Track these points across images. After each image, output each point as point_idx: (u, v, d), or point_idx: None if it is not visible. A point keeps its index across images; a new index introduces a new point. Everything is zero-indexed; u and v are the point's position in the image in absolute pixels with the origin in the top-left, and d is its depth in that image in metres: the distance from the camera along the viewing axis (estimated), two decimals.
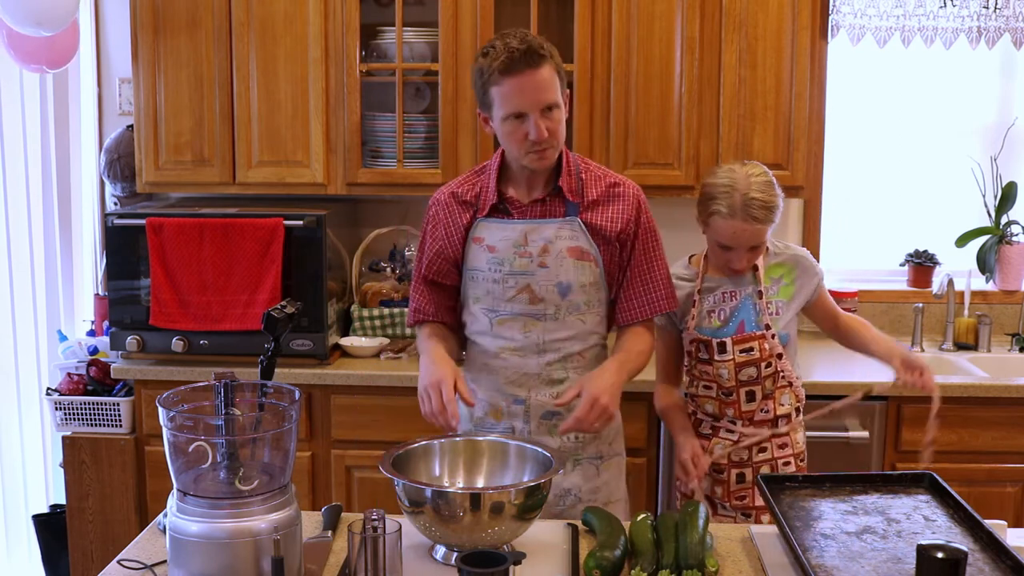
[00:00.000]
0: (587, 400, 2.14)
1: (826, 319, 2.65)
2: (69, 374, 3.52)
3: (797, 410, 2.56)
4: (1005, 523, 2.06)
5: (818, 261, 2.79)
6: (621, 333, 2.41)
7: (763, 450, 2.52)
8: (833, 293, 3.58)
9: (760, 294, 2.49)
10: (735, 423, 2.52)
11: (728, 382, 2.49)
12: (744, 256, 2.46)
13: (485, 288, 2.33)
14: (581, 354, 2.35)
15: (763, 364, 2.48)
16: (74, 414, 3.45)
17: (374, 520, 1.67)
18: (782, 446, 2.53)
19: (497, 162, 2.35)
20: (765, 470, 2.51)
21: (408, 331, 3.56)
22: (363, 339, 3.53)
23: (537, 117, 2.18)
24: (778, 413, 2.52)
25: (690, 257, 2.63)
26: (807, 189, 3.53)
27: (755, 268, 2.51)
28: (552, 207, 2.32)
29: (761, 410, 2.51)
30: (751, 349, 2.48)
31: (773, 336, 2.48)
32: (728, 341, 2.48)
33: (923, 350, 3.67)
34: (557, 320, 2.31)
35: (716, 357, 2.49)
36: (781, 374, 2.50)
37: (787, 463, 2.53)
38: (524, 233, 2.30)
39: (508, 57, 2.14)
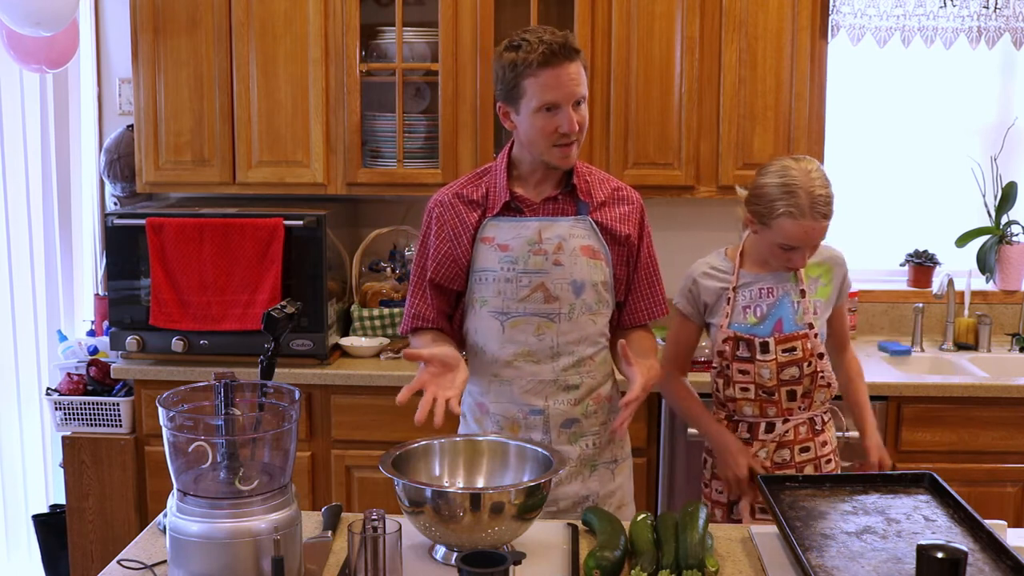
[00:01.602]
0: (642, 387, 2.14)
1: (835, 335, 2.60)
2: (69, 374, 3.52)
3: (833, 411, 2.56)
4: (1005, 523, 2.05)
5: None
6: (627, 335, 2.40)
7: (806, 449, 2.49)
8: None
9: (803, 293, 2.46)
10: (775, 424, 2.48)
11: (770, 381, 2.45)
12: (807, 254, 2.43)
13: (496, 288, 2.29)
14: (592, 358, 2.33)
15: (804, 364, 2.45)
16: (74, 414, 3.45)
17: (374, 520, 1.67)
18: (824, 443, 2.52)
19: (504, 162, 2.34)
20: (809, 469, 2.48)
21: None
22: (363, 339, 3.53)
23: (569, 109, 2.20)
24: (813, 411, 2.50)
25: (725, 249, 2.58)
26: None
27: None
28: (564, 206, 2.32)
29: (799, 408, 2.48)
30: (794, 349, 2.44)
31: (816, 336, 2.46)
32: (771, 341, 2.44)
33: (923, 350, 3.67)
34: (571, 320, 2.29)
35: (758, 356, 2.45)
36: (821, 374, 2.48)
37: (828, 460, 2.52)
38: (539, 230, 2.29)
39: (547, 49, 2.17)
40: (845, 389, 2.63)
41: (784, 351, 2.44)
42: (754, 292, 2.49)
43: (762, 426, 2.49)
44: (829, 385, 2.51)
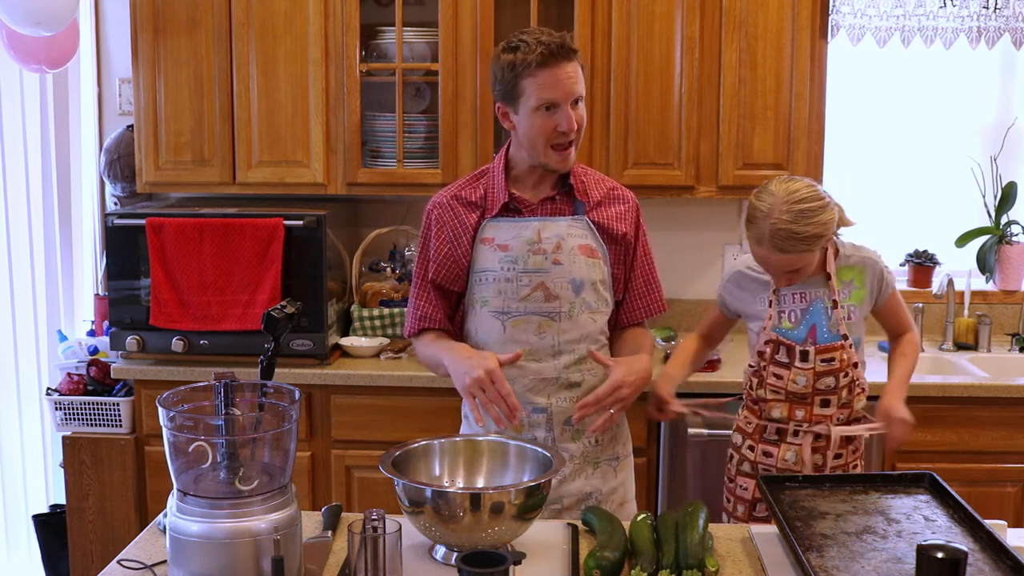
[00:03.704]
0: (612, 383, 2.18)
1: (889, 329, 2.60)
2: (69, 374, 3.52)
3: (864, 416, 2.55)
4: (1005, 523, 2.05)
5: None
6: (625, 334, 2.43)
7: (838, 456, 2.47)
8: None
9: (835, 303, 2.44)
10: (801, 427, 2.46)
11: (804, 389, 2.43)
12: (782, 277, 2.41)
13: (496, 288, 2.31)
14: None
15: (841, 374, 2.43)
16: (74, 414, 3.45)
17: (374, 520, 1.67)
18: (855, 450, 2.50)
19: (502, 163, 2.36)
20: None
21: None
22: (363, 339, 3.53)
23: (568, 108, 2.23)
24: (850, 419, 2.49)
25: None
26: None
27: (828, 276, 2.45)
28: (561, 206, 2.35)
29: (836, 418, 2.46)
30: (832, 359, 2.42)
31: (851, 345, 2.44)
32: (811, 350, 2.42)
33: (923, 350, 3.67)
34: (571, 319, 2.31)
35: (796, 363, 2.43)
36: (857, 383, 2.47)
37: (855, 465, 2.51)
38: (538, 230, 2.31)
39: (545, 50, 2.20)
40: (888, 362, 2.61)
41: (822, 361, 2.43)
42: (788, 297, 2.48)
43: (790, 429, 2.47)
44: (864, 390, 2.50)
